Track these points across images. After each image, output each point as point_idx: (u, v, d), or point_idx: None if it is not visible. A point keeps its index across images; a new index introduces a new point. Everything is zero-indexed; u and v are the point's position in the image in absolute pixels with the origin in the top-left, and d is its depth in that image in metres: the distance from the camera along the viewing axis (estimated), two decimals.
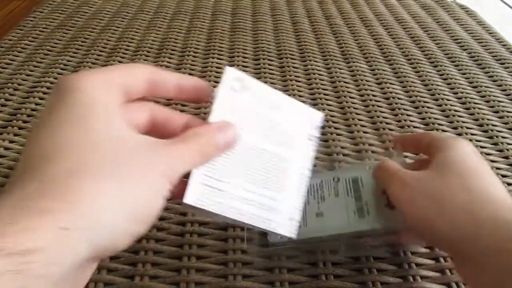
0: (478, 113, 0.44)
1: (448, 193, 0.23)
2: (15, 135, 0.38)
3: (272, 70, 0.50)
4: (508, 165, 0.38)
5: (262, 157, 0.23)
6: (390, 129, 0.41)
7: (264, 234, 0.28)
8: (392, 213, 0.27)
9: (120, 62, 0.49)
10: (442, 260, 0.30)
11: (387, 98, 0.46)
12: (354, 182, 0.30)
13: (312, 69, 0.50)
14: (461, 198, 0.22)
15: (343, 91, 0.46)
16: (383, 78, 0.49)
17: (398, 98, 0.46)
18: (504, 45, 0.57)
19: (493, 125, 0.43)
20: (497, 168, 0.38)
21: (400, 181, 0.25)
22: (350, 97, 0.46)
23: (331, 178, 0.31)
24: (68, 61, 0.49)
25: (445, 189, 0.23)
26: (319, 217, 0.29)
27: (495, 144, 0.40)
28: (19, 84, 0.44)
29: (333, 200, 0.30)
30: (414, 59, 0.53)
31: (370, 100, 0.45)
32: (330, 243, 0.29)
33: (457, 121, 0.43)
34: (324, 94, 0.46)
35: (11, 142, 0.37)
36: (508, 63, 0.53)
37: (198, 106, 0.43)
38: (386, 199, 0.28)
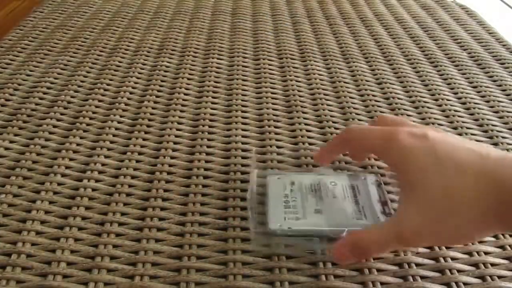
0: (478, 113, 0.44)
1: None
2: (15, 135, 0.38)
3: (272, 70, 0.50)
4: None
5: None
6: None
7: (263, 222, 0.30)
8: (387, 220, 0.30)
9: (120, 62, 0.49)
10: (442, 260, 0.30)
11: (387, 98, 0.46)
12: (351, 188, 0.32)
13: (312, 69, 0.50)
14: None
15: (343, 91, 0.46)
16: (383, 78, 0.49)
17: (398, 98, 0.46)
18: (504, 45, 0.57)
19: (493, 125, 0.43)
20: None
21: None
22: (350, 97, 0.46)
23: (328, 182, 0.33)
24: (68, 61, 0.49)
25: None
26: (318, 213, 0.30)
27: (495, 144, 0.40)
28: (19, 84, 0.44)
29: (331, 201, 0.31)
30: (414, 59, 0.53)
31: (370, 100, 0.45)
32: (323, 239, 0.30)
33: (457, 121, 0.43)
34: (324, 94, 0.46)
35: (11, 142, 0.37)
36: (508, 63, 0.53)
37: (198, 107, 0.43)
38: (382, 207, 0.31)
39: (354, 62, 0.52)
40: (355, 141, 0.30)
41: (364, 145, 0.30)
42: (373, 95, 0.46)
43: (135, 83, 0.46)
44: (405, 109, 0.44)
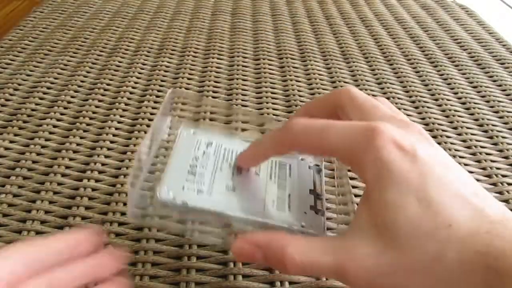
0: (478, 113, 0.44)
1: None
2: (15, 135, 0.38)
3: (272, 70, 0.50)
4: (508, 165, 0.38)
5: None
6: None
7: (153, 188, 0.24)
8: (315, 218, 0.23)
9: (120, 62, 0.49)
10: None
11: (387, 98, 0.46)
12: (280, 167, 0.26)
13: (312, 69, 0.50)
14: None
15: None
16: (383, 78, 0.49)
17: (398, 98, 0.46)
18: (504, 45, 0.57)
19: (493, 125, 0.43)
20: (497, 168, 0.38)
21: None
22: None
23: None
24: (68, 61, 0.49)
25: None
26: (230, 191, 0.23)
27: (495, 144, 0.40)
28: (19, 84, 0.44)
29: (251, 178, 0.25)
30: (414, 59, 0.53)
31: None
32: (226, 226, 0.24)
33: (457, 121, 0.43)
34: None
35: (11, 142, 0.37)
36: (508, 63, 0.53)
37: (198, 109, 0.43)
38: (314, 200, 0.24)
39: (354, 62, 0.52)
40: (305, 144, 0.21)
41: (321, 149, 0.21)
42: (373, 95, 0.46)
43: (135, 83, 0.46)
44: (405, 109, 0.44)
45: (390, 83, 0.48)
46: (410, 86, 0.48)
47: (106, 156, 0.36)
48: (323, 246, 0.19)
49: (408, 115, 0.43)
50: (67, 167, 0.35)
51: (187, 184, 0.23)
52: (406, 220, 0.17)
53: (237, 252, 0.21)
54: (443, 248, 0.17)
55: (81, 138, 0.38)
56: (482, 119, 0.43)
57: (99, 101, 0.43)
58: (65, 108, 0.41)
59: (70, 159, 0.36)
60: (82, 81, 0.45)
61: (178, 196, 0.22)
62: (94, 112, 0.41)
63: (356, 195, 0.32)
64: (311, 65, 0.51)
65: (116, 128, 0.39)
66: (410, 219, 0.17)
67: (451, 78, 0.50)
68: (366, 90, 0.47)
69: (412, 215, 0.17)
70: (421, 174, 0.18)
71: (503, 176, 0.37)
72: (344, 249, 0.18)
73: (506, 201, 0.35)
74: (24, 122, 0.39)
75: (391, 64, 0.52)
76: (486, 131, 0.42)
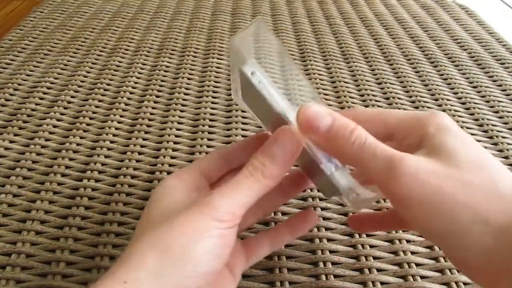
0: (478, 113, 0.44)
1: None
2: (15, 135, 0.38)
3: None
4: (508, 165, 0.38)
5: None
6: None
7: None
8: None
9: (120, 62, 0.49)
10: (442, 260, 0.30)
11: (387, 98, 0.46)
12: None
13: (312, 69, 0.50)
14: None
15: (343, 91, 0.46)
16: (383, 78, 0.49)
17: (398, 98, 0.46)
18: (504, 45, 0.57)
19: (493, 125, 0.43)
20: None
21: (413, 174, 0.19)
22: (350, 97, 0.46)
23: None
24: (68, 61, 0.49)
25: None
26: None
27: (495, 144, 0.40)
28: (19, 84, 0.44)
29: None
30: (414, 59, 0.53)
31: (370, 100, 0.45)
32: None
33: (457, 121, 0.43)
34: (324, 94, 0.46)
35: (11, 142, 0.37)
36: (508, 63, 0.53)
37: (198, 107, 0.43)
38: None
39: (354, 62, 0.52)
40: (368, 121, 0.22)
41: (385, 122, 0.23)
42: (373, 95, 0.46)
43: (135, 83, 0.46)
44: (405, 109, 0.44)
45: (390, 83, 0.48)
46: (410, 86, 0.48)
47: (106, 156, 0.36)
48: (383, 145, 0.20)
49: None
50: (67, 167, 0.35)
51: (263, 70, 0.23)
52: (464, 153, 0.20)
53: (306, 112, 0.21)
54: (497, 177, 0.19)
55: (81, 138, 0.38)
56: (482, 119, 0.43)
57: (99, 101, 0.43)
58: (65, 108, 0.41)
59: (70, 159, 0.36)
60: (82, 81, 0.45)
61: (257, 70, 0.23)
62: (94, 112, 0.41)
63: None
64: (311, 65, 0.51)
65: (116, 128, 0.39)
66: (468, 153, 0.20)
67: (451, 78, 0.50)
68: (366, 90, 0.47)
69: (469, 152, 0.20)
70: (473, 140, 0.21)
71: None
72: (404, 153, 0.20)
73: None
74: (24, 122, 0.39)
75: (391, 64, 0.52)
76: (486, 131, 0.42)
